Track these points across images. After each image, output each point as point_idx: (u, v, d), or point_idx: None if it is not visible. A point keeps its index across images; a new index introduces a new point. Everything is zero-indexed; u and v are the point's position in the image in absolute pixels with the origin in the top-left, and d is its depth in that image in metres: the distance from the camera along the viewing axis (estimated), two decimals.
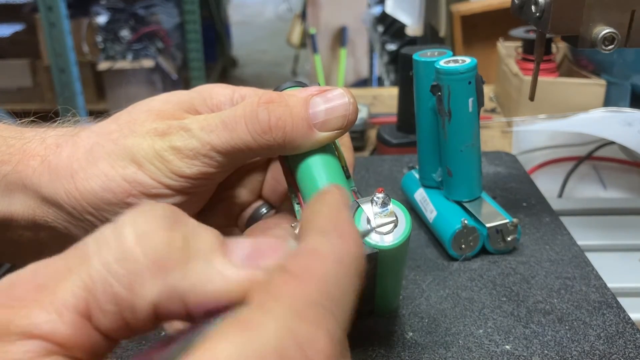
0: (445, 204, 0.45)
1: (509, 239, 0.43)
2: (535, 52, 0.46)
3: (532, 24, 0.43)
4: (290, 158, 0.33)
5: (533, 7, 0.41)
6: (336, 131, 0.31)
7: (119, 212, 0.30)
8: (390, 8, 1.56)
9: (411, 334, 0.36)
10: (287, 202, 0.37)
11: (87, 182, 0.31)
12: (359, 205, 0.30)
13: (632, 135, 0.65)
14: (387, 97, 1.04)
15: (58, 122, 0.35)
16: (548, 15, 0.40)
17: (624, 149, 0.70)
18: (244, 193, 0.39)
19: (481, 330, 0.36)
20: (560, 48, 0.95)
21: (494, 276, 0.42)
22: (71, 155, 0.32)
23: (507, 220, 0.43)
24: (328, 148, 0.32)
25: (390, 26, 2.14)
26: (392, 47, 2.05)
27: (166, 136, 0.31)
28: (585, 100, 0.82)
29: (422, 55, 0.43)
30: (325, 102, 0.31)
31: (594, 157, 0.71)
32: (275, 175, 0.38)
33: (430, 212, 0.46)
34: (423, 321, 0.37)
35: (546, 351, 0.35)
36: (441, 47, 0.48)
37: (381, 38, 2.19)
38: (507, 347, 0.35)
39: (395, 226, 0.29)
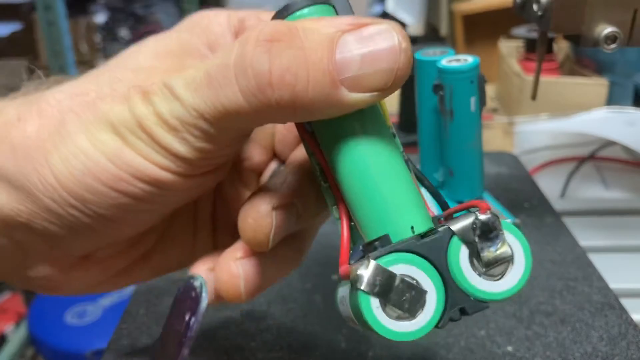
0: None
1: None
2: (537, 51, 0.46)
3: (534, 23, 0.43)
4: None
5: (535, 6, 0.41)
6: (377, 92, 0.22)
7: (109, 203, 0.23)
8: (391, 7, 1.55)
9: None
10: (296, 153, 0.30)
11: (63, 165, 0.23)
12: (453, 233, 0.20)
13: (635, 135, 0.64)
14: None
15: (24, 87, 0.28)
16: (550, 14, 0.40)
17: (626, 149, 0.70)
18: (256, 151, 0.31)
19: (483, 332, 0.36)
20: (562, 47, 0.94)
21: None
22: (39, 129, 0.24)
23: (508, 221, 0.43)
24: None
25: None
26: None
27: (148, 96, 0.23)
28: (587, 99, 0.82)
29: (423, 55, 0.43)
30: (362, 45, 0.20)
31: (597, 157, 0.71)
32: (286, 125, 0.30)
33: None
34: None
35: (548, 352, 0.34)
36: (443, 46, 0.47)
37: None
38: (509, 348, 0.35)
39: (511, 264, 0.21)
